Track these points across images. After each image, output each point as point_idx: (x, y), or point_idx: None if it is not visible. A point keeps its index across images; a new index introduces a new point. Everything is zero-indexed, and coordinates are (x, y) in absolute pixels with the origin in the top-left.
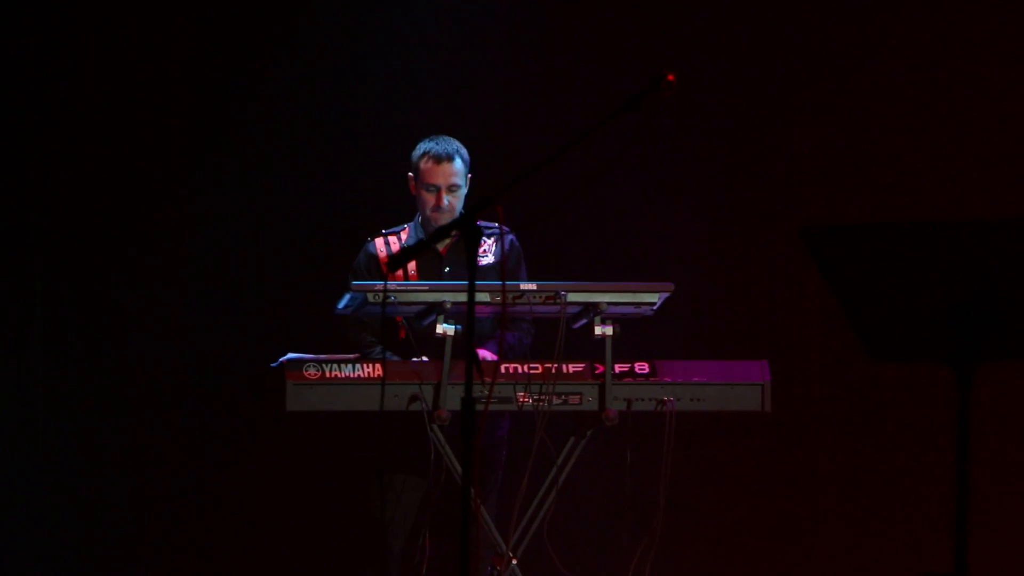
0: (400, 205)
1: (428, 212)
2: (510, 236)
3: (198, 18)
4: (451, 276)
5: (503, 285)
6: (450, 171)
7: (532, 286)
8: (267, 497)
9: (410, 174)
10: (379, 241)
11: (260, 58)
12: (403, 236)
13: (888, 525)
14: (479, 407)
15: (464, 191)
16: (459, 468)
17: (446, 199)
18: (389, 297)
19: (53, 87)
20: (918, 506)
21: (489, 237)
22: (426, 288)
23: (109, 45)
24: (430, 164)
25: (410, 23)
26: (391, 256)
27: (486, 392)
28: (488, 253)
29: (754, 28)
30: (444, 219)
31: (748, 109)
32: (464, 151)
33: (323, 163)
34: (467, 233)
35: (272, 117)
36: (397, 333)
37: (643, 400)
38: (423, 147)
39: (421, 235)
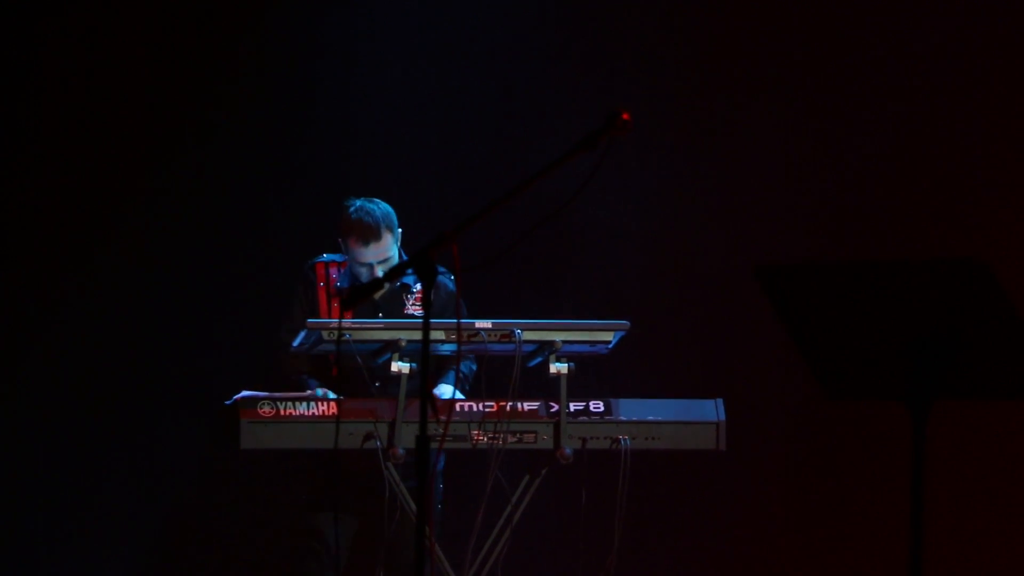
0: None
1: (362, 280)
2: (447, 281)
3: (168, 16)
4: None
5: (458, 324)
6: (378, 249)
7: (487, 324)
8: (219, 535)
9: (339, 238)
10: (320, 268)
11: (223, 82)
12: (342, 267)
13: (844, 563)
14: (434, 445)
15: (395, 252)
16: (414, 506)
17: (379, 271)
18: (344, 335)
19: (15, 84)
20: (873, 544)
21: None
22: (381, 326)
23: (72, 41)
24: (358, 245)
25: (372, 52)
26: (346, 295)
27: (440, 430)
28: (419, 304)
29: (708, 65)
30: None
31: (705, 146)
32: (391, 217)
33: (270, 182)
34: (422, 272)
35: (223, 146)
36: (330, 369)
37: (598, 439)
38: (347, 224)
39: (355, 271)
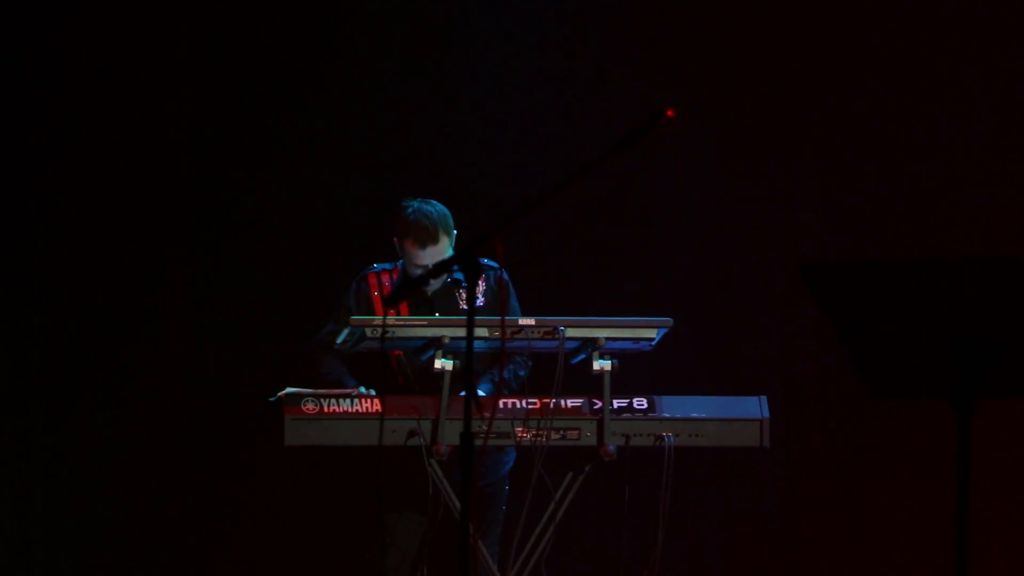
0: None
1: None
2: (499, 272)
3: (202, 27)
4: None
5: (502, 320)
6: (435, 252)
7: (530, 321)
8: (265, 533)
9: (395, 237)
10: (372, 278)
11: (266, 94)
12: (395, 275)
13: (888, 562)
14: (478, 442)
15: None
16: (457, 503)
17: None
18: (388, 332)
19: (56, 97)
20: (918, 542)
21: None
22: (424, 323)
23: (109, 56)
24: (415, 247)
25: (406, 56)
26: (389, 292)
27: (485, 427)
28: (479, 294)
29: (754, 60)
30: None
31: (750, 142)
32: (448, 219)
33: (319, 196)
34: (467, 269)
35: (264, 156)
36: (396, 377)
37: (641, 435)
38: (406, 225)
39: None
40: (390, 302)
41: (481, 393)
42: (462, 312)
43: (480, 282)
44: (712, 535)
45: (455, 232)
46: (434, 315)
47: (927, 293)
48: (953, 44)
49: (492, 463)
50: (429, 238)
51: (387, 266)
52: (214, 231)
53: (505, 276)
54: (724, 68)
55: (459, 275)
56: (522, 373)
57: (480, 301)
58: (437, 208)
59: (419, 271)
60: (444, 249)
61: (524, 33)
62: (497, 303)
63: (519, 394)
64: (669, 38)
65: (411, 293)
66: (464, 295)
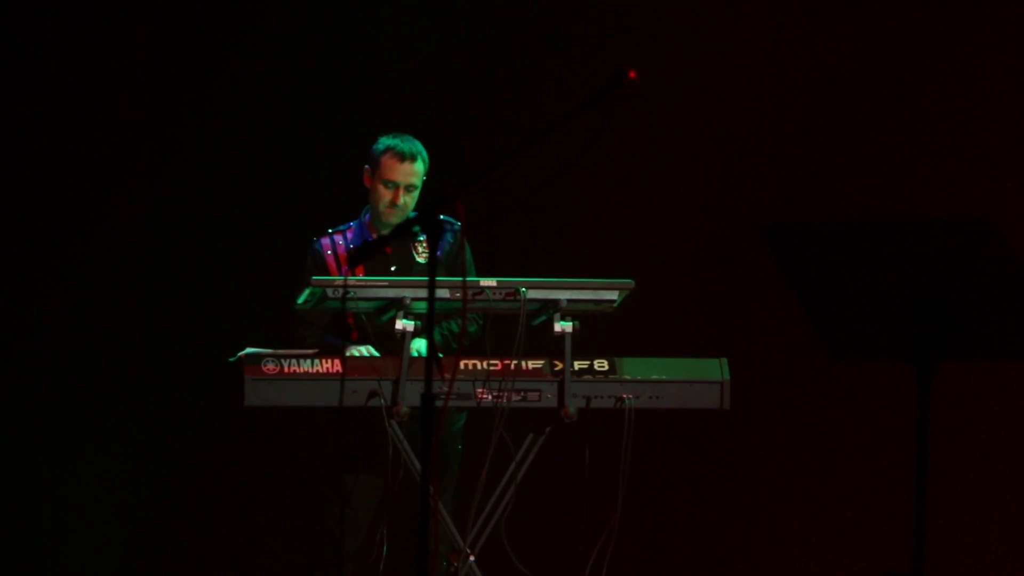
0: (349, 201)
1: (382, 208)
2: (454, 227)
3: (154, 8)
4: (398, 275)
5: (463, 281)
6: (411, 170)
7: (492, 283)
8: (223, 492)
9: (367, 167)
10: (325, 240)
11: (218, 54)
12: (348, 235)
13: (848, 523)
14: (438, 403)
15: (420, 185)
16: (418, 464)
17: (402, 198)
18: (349, 292)
19: (14, 81)
20: (878, 504)
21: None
22: (386, 284)
23: (61, 35)
24: (393, 161)
25: (366, 17)
26: (353, 251)
27: (445, 388)
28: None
29: (718, 24)
30: (396, 217)
31: (711, 105)
32: (425, 153)
33: (277, 157)
34: (429, 228)
35: (226, 110)
36: (350, 333)
37: (602, 397)
38: (387, 142)
39: (366, 234)
40: (354, 261)
41: (423, 342)
42: (419, 265)
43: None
44: (672, 497)
45: (425, 178)
46: (391, 270)
47: (888, 255)
48: (919, 7)
49: (445, 420)
50: (408, 154)
51: (340, 228)
52: (173, 186)
53: (457, 230)
54: (683, 28)
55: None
56: (472, 329)
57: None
58: (418, 142)
59: (388, 194)
60: (418, 172)
61: None
62: (452, 259)
63: (480, 355)
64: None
65: (374, 253)
66: (420, 249)
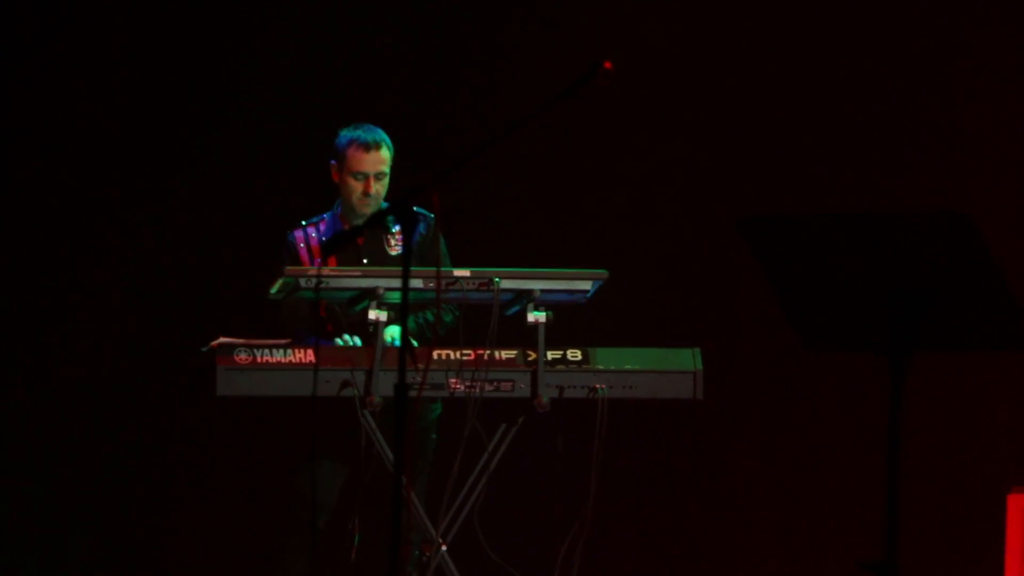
0: (324, 193)
1: (355, 200)
2: (427, 219)
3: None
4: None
5: (438, 271)
6: (378, 159)
7: (465, 273)
8: (195, 481)
9: (333, 162)
10: (298, 233)
11: (190, 45)
12: (321, 227)
13: (821, 513)
14: (412, 393)
15: (389, 173)
16: (390, 454)
17: (374, 186)
18: (322, 282)
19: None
20: (851, 494)
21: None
22: (358, 273)
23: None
24: (359, 152)
25: (340, 6)
26: (325, 242)
27: (419, 378)
28: (401, 244)
29: (691, 15)
30: (371, 207)
31: (685, 96)
32: (388, 139)
33: (254, 149)
34: (403, 220)
35: (199, 102)
36: (324, 326)
37: (575, 387)
38: (349, 135)
39: (339, 226)
40: (327, 251)
41: (397, 329)
42: (390, 258)
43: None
44: (645, 486)
45: (392, 160)
46: (362, 261)
47: (862, 247)
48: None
49: (420, 409)
50: (373, 143)
51: (313, 220)
52: (147, 178)
53: (431, 222)
54: (662, 18)
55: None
56: (448, 319)
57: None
58: (380, 130)
59: (359, 185)
60: (386, 160)
61: None
62: (425, 249)
63: (453, 345)
64: None
65: (346, 243)
66: (390, 241)
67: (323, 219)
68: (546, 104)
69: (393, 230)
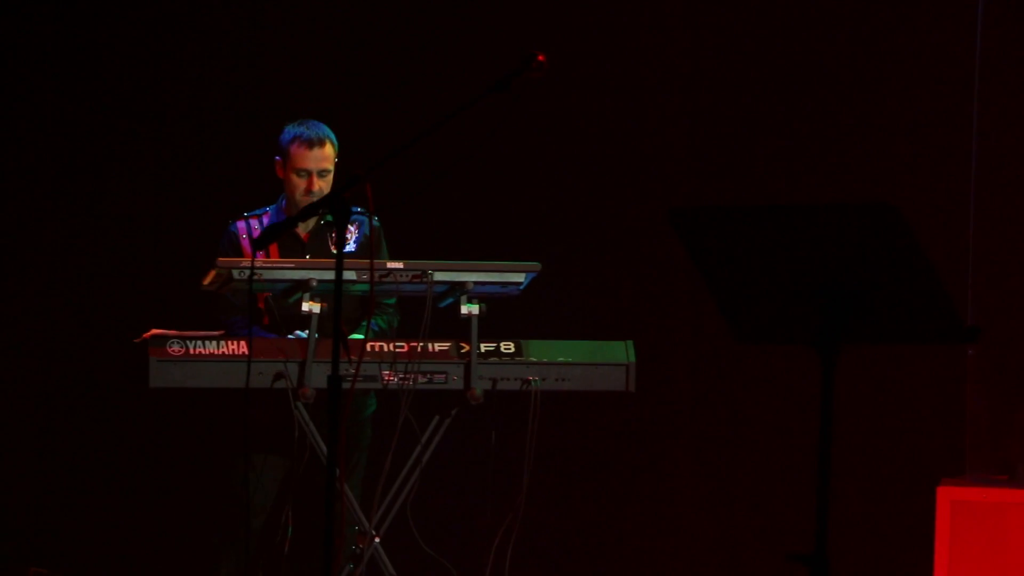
0: (266, 185)
1: (298, 196)
2: (373, 220)
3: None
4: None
5: (371, 263)
6: (321, 156)
7: (399, 264)
8: (128, 474)
9: (277, 158)
10: (240, 224)
11: (125, 40)
12: (264, 220)
13: (752, 506)
14: (345, 385)
15: (333, 169)
16: (323, 446)
17: (317, 184)
18: (255, 274)
19: None
20: (782, 487)
21: (352, 223)
22: (292, 265)
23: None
24: (301, 149)
25: (273, 3)
26: (258, 235)
27: (352, 370)
28: (350, 240)
29: (625, 8)
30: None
31: (618, 88)
32: (333, 135)
33: (190, 142)
34: (336, 211)
35: (138, 97)
36: (262, 318)
37: (508, 379)
38: (293, 131)
39: (282, 219)
40: (259, 244)
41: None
42: (334, 256)
43: (353, 228)
44: (577, 479)
45: (337, 160)
46: (306, 256)
47: (793, 239)
48: None
49: (355, 404)
50: (316, 139)
51: (256, 212)
52: (84, 168)
53: (376, 223)
54: (596, 9)
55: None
56: (395, 323)
57: (352, 247)
58: (324, 126)
59: (303, 182)
60: (329, 156)
61: None
62: (370, 251)
63: (387, 337)
64: None
65: (280, 235)
66: (334, 239)
67: (266, 212)
68: (479, 96)
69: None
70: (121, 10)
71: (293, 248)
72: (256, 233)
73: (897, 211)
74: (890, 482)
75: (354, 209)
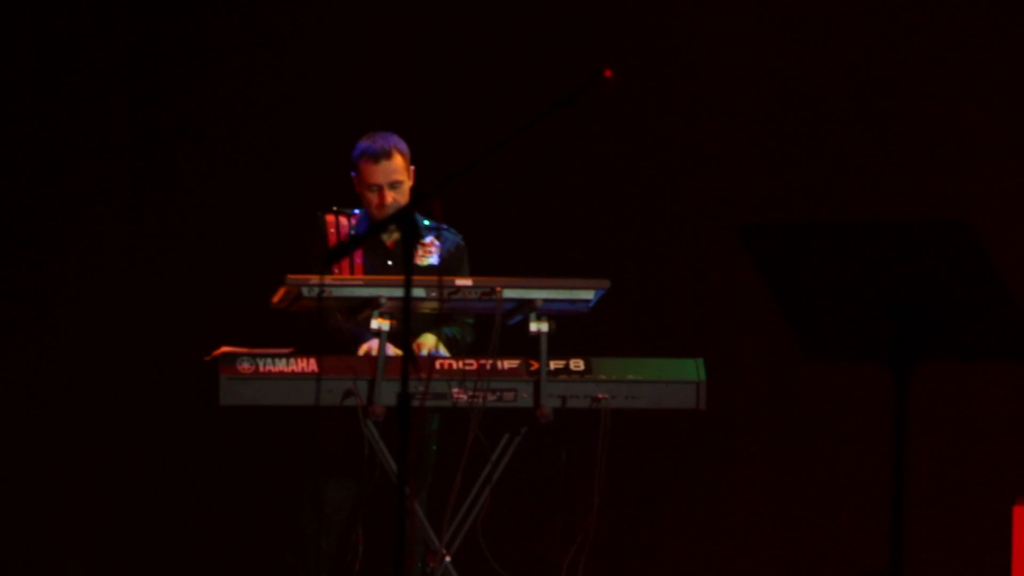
0: (344, 195)
1: (373, 211)
2: (457, 238)
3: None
4: (394, 270)
5: (439, 280)
6: (390, 168)
7: (468, 281)
8: (198, 492)
9: (353, 174)
10: (330, 217)
11: (200, 45)
12: (352, 221)
13: (824, 524)
14: (415, 403)
15: (408, 184)
16: (393, 465)
17: (390, 196)
18: (324, 292)
19: None
20: (854, 505)
21: (436, 237)
22: (361, 282)
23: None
24: (369, 164)
25: (347, 15)
26: (327, 251)
27: (421, 388)
28: (434, 253)
29: (691, 19)
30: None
31: (689, 103)
32: (403, 144)
33: (261, 153)
34: (404, 227)
35: (209, 107)
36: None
37: (578, 397)
38: (361, 147)
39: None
40: (330, 259)
41: (426, 341)
42: (417, 268)
43: (438, 243)
44: (648, 497)
45: (412, 167)
46: (388, 263)
47: (864, 255)
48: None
49: (420, 420)
50: (382, 153)
51: (345, 210)
52: (151, 183)
53: (461, 242)
54: (663, 25)
55: (424, 230)
56: (470, 340)
57: (435, 260)
58: (393, 136)
59: (374, 195)
60: (398, 168)
61: None
62: (451, 265)
63: (456, 355)
64: None
65: (351, 251)
66: (419, 251)
67: (355, 213)
68: (545, 112)
69: (425, 240)
70: (193, 22)
71: (377, 256)
72: (344, 229)
73: (970, 227)
74: (966, 500)
75: (440, 225)
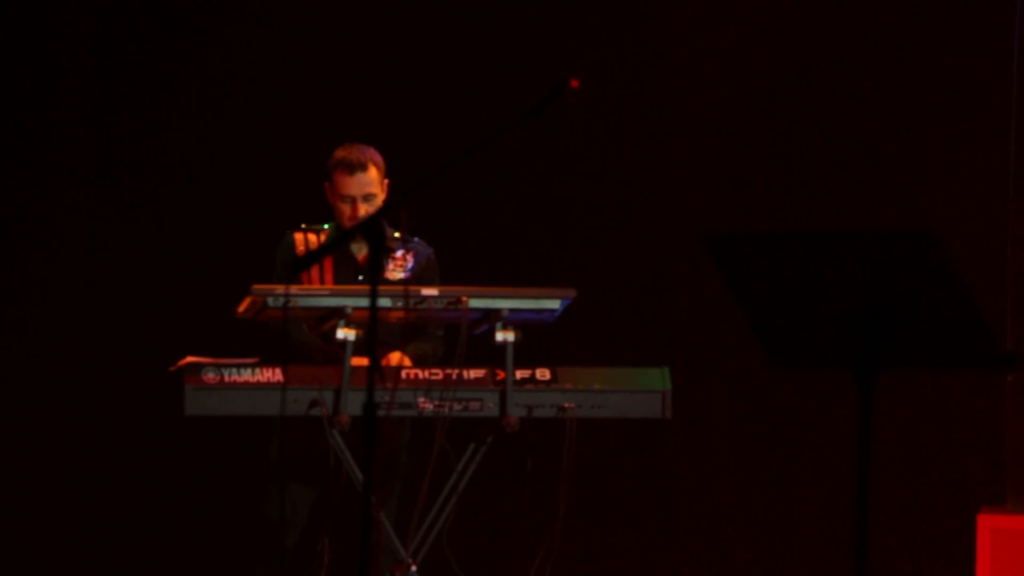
0: (316, 211)
1: (345, 222)
2: (428, 250)
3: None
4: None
5: (405, 290)
6: (364, 181)
7: (434, 291)
8: (164, 500)
9: (327, 183)
10: (298, 236)
11: (163, 51)
12: (322, 237)
13: (789, 533)
14: (380, 412)
15: (381, 197)
16: (359, 474)
17: (363, 208)
18: (289, 302)
19: None
20: (819, 514)
21: (407, 251)
22: (327, 292)
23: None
24: (343, 175)
25: (313, 28)
26: (295, 259)
27: (387, 398)
28: (404, 268)
29: (655, 30)
30: None
31: (651, 113)
32: (379, 157)
33: (227, 162)
34: (371, 237)
35: (174, 111)
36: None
37: (544, 407)
38: (336, 157)
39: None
40: (296, 269)
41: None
42: (388, 282)
43: (409, 257)
44: (614, 506)
45: (387, 180)
46: (359, 278)
47: (829, 264)
48: (854, 11)
49: (390, 433)
50: (357, 164)
51: (314, 227)
52: (117, 191)
53: (432, 255)
54: (627, 36)
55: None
56: (439, 355)
57: (406, 274)
58: (369, 148)
59: (347, 207)
60: (373, 180)
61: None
62: (423, 278)
63: (422, 364)
64: (574, 8)
65: (317, 261)
66: (391, 265)
67: (324, 229)
68: (511, 123)
69: (396, 254)
70: (180, 27)
71: (347, 269)
72: (312, 246)
73: (934, 236)
74: (930, 510)
75: (410, 239)
